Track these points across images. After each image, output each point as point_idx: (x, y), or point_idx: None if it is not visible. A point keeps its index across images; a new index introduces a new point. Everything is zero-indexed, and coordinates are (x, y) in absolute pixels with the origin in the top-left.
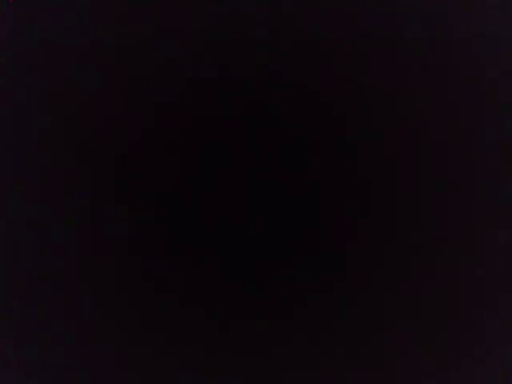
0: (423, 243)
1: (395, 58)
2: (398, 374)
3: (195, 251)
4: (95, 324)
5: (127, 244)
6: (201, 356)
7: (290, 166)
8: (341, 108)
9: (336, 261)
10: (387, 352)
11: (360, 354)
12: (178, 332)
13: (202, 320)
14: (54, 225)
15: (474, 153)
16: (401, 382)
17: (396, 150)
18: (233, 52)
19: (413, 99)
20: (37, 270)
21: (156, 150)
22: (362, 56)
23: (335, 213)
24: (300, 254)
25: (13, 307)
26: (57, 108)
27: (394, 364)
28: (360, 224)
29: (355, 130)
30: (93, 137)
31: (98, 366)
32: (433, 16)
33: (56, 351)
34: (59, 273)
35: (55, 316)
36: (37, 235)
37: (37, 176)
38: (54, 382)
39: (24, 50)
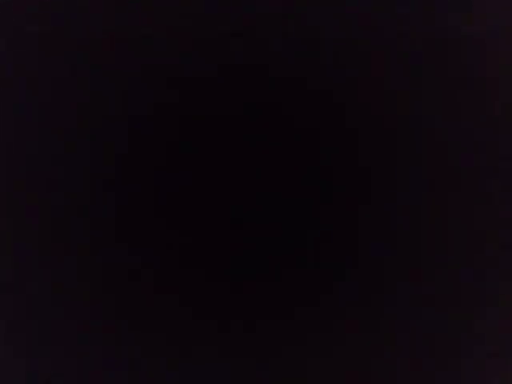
0: (423, 242)
1: (395, 57)
2: (398, 374)
3: (195, 249)
4: (94, 323)
5: (127, 243)
6: (201, 356)
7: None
8: (341, 107)
9: (335, 261)
10: (388, 351)
11: (360, 353)
12: (177, 332)
13: (201, 320)
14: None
15: (474, 153)
16: (401, 381)
17: (396, 150)
18: (232, 52)
19: (413, 101)
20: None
21: (155, 150)
22: (362, 55)
23: (334, 213)
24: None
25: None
26: (55, 106)
27: (394, 364)
28: (360, 221)
29: (355, 133)
30: (87, 137)
31: (96, 366)
32: (433, 15)
33: (54, 351)
34: (56, 272)
35: (54, 315)
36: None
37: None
38: (52, 381)
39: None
